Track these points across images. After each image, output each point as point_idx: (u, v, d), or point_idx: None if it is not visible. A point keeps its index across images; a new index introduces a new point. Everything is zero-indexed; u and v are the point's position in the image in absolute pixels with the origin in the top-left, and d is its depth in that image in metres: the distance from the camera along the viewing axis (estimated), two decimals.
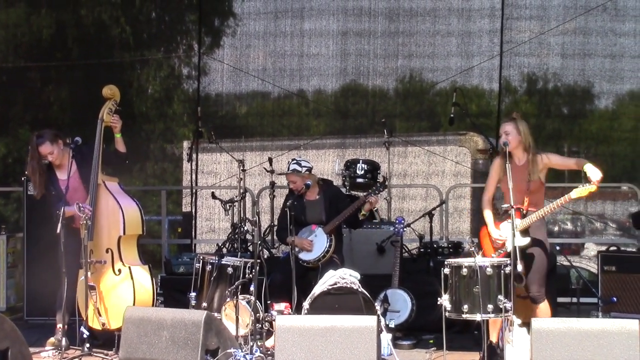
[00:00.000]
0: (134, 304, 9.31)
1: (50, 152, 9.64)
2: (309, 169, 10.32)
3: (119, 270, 9.48)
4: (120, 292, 9.47)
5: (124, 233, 9.53)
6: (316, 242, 10.20)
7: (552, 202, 9.02)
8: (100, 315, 9.38)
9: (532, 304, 8.89)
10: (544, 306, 8.87)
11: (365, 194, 10.56)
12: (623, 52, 13.89)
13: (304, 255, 10.15)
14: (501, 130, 8.96)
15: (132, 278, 9.46)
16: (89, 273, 9.27)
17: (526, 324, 8.33)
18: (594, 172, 8.60)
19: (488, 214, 9.13)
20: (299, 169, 10.23)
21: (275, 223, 11.61)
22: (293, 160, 10.39)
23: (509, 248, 8.61)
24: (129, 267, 9.50)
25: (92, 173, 9.50)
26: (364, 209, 10.26)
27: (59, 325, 9.51)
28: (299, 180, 10.23)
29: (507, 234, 8.79)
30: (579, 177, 9.99)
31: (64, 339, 9.26)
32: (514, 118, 8.96)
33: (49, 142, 9.64)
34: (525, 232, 8.77)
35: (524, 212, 8.83)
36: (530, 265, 8.75)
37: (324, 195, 10.41)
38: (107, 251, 9.51)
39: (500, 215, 9.11)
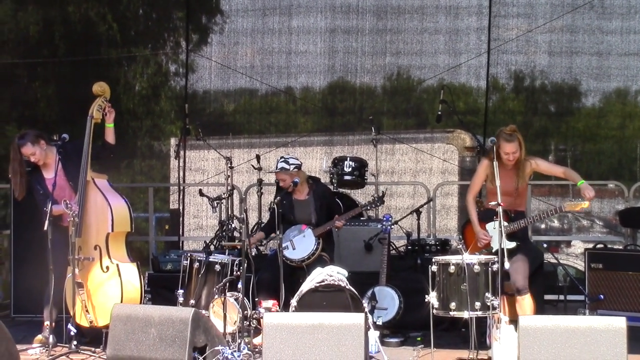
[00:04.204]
0: (121, 301, 9.27)
1: (32, 153, 9.57)
2: (298, 167, 10.32)
3: (107, 268, 9.42)
4: (108, 289, 9.42)
5: (112, 230, 9.48)
6: (304, 243, 10.19)
7: (542, 211, 9.18)
8: (88, 312, 9.35)
9: (517, 295, 8.94)
10: (528, 299, 8.93)
11: (363, 204, 10.62)
12: (610, 50, 13.91)
13: (289, 254, 10.13)
14: (504, 149, 8.92)
15: (119, 275, 9.42)
16: (76, 270, 9.24)
17: (514, 321, 8.36)
18: (589, 190, 8.71)
19: (473, 213, 9.20)
20: (287, 167, 10.23)
21: (263, 220, 11.63)
22: (281, 158, 10.38)
23: (494, 248, 8.67)
24: (117, 265, 9.45)
25: (81, 170, 9.45)
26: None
27: (47, 323, 9.47)
28: (288, 178, 10.23)
29: (492, 235, 8.86)
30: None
31: (51, 336, 9.22)
32: (515, 135, 8.93)
33: (30, 144, 9.57)
34: (511, 235, 8.82)
35: (512, 215, 8.89)
36: (515, 261, 8.85)
37: (314, 196, 10.41)
38: (95, 248, 9.45)
39: (482, 211, 9.18)
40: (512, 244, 8.81)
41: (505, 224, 8.71)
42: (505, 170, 8.88)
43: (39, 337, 9.53)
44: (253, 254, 11.32)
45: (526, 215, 9.22)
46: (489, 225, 9.00)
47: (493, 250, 8.83)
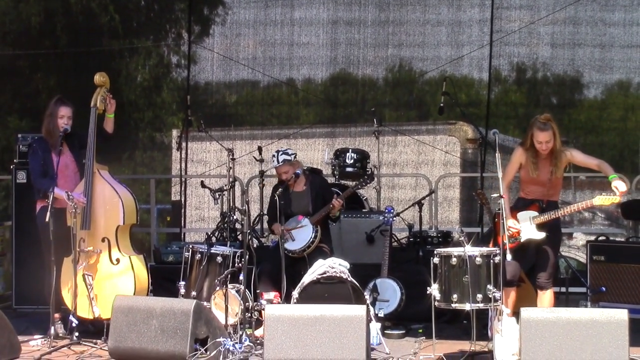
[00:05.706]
0: (134, 294, 9.18)
1: (68, 115, 9.53)
2: (295, 154, 10.32)
3: (117, 260, 9.32)
4: (119, 282, 9.28)
5: (124, 222, 9.41)
6: (302, 233, 10.16)
7: (572, 204, 9.13)
8: (95, 304, 9.23)
9: (538, 290, 8.99)
10: (549, 294, 8.97)
11: (354, 183, 10.57)
12: (612, 42, 13.88)
13: (289, 245, 10.10)
14: (538, 138, 8.87)
15: (132, 268, 9.31)
16: (84, 262, 9.20)
17: (515, 313, 8.36)
18: (620, 184, 8.65)
19: (505, 201, 9.08)
20: (289, 157, 10.19)
21: (265, 212, 11.62)
22: (279, 152, 10.28)
23: (523, 239, 8.69)
24: (129, 257, 9.36)
25: (87, 160, 9.41)
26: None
27: (56, 315, 9.38)
28: (291, 169, 10.18)
29: (523, 225, 8.83)
30: (583, 169, 10.19)
31: (52, 327, 9.15)
32: (549, 124, 8.86)
33: (70, 108, 9.57)
34: (541, 226, 8.81)
35: (543, 205, 8.88)
36: (542, 254, 8.92)
37: (311, 186, 10.38)
38: (102, 240, 9.35)
39: (515, 200, 9.16)
40: (542, 235, 8.79)
41: (535, 213, 8.83)
42: (540, 160, 8.86)
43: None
44: (255, 245, 11.35)
45: (559, 207, 9.15)
46: (521, 215, 8.94)
47: (522, 240, 8.81)
